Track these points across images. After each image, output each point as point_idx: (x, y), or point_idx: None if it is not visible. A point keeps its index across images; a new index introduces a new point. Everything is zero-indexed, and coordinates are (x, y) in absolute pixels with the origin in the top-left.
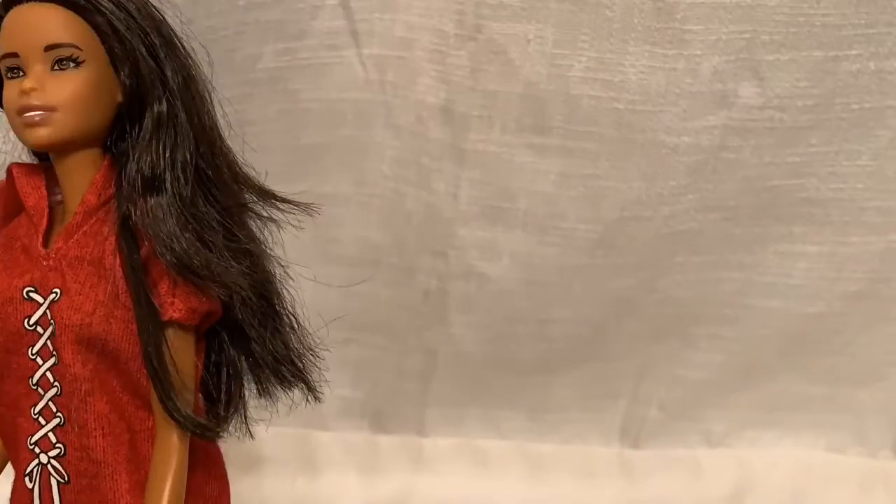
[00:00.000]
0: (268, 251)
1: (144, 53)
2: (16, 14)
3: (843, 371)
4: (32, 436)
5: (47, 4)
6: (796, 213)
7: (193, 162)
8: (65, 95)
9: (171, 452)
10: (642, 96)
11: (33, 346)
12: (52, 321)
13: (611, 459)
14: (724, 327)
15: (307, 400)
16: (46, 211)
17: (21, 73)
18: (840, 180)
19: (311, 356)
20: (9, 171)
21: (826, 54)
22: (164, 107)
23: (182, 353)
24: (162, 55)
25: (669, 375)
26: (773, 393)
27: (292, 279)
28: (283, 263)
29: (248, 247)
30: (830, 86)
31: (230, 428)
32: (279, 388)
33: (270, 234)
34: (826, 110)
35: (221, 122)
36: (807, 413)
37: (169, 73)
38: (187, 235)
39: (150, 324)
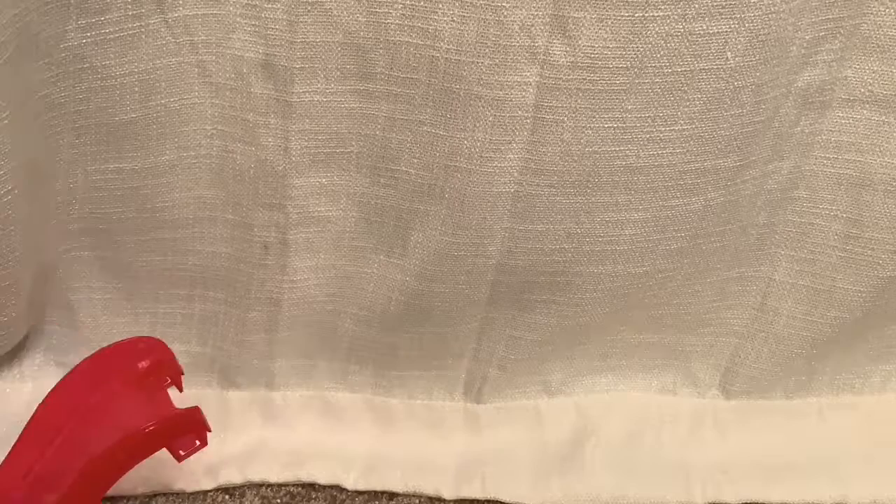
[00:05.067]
0: None
1: None
2: None
3: (670, 320)
4: None
5: None
6: (619, 181)
7: None
8: None
9: None
10: (456, 46)
11: None
12: None
13: (456, 413)
14: (557, 294)
15: None
16: None
17: None
18: (658, 146)
19: None
20: None
21: (633, 14)
22: None
23: None
24: None
25: (507, 337)
26: (606, 343)
27: None
28: None
29: None
30: (641, 48)
31: None
32: None
33: None
34: (639, 74)
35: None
36: (638, 359)
37: None
38: None
39: None
